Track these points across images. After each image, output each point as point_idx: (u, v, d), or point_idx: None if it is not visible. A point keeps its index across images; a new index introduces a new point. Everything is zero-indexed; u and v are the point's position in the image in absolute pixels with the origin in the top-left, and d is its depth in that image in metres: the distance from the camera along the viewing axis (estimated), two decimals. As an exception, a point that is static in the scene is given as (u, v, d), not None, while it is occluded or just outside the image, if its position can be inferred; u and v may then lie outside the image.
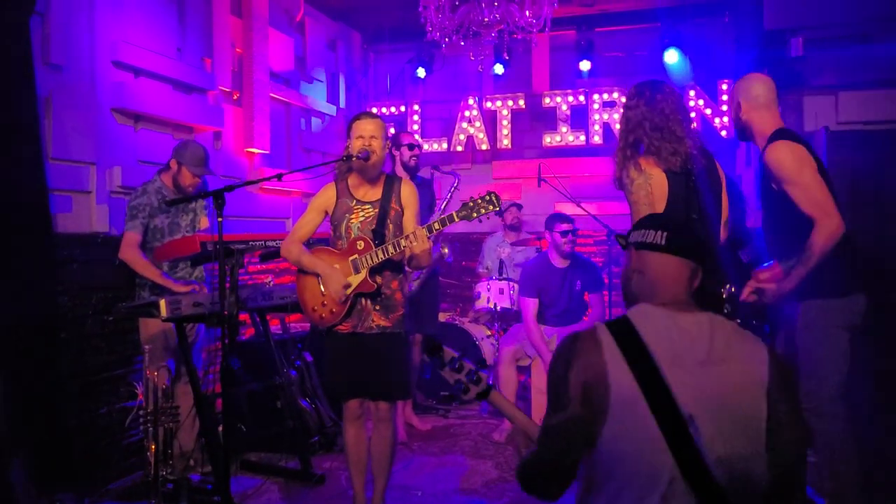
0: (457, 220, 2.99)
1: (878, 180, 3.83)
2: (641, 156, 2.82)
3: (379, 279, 3.18)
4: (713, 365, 1.56)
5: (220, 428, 3.45)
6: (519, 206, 6.36)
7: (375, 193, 3.25)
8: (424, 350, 1.99)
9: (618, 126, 3.14)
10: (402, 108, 7.28)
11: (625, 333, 1.60)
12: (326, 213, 3.30)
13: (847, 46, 4.02)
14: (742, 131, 3.10)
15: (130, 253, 3.80)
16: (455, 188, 5.05)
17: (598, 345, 1.59)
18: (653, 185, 2.78)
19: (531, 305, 5.05)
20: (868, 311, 2.77)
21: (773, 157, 2.84)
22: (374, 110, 7.31)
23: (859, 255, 2.85)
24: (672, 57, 6.39)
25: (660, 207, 2.79)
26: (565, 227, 5.06)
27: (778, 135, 2.90)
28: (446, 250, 5.02)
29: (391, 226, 3.21)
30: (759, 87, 3.03)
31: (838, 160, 3.85)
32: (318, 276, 3.21)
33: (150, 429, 3.52)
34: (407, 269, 3.33)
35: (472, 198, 3.00)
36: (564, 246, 5.08)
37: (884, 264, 3.78)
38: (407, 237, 3.03)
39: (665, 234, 1.69)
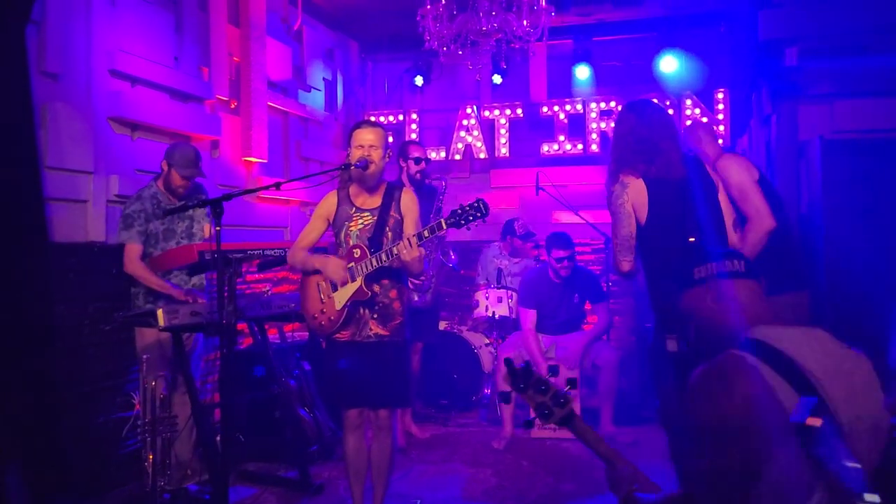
0: (445, 227, 3.03)
1: (873, 188, 3.85)
2: (622, 169, 2.99)
3: (376, 287, 3.19)
4: (844, 374, 1.55)
5: (218, 437, 3.43)
6: (533, 235, 6.14)
7: (375, 201, 3.27)
8: (508, 369, 1.88)
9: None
10: (401, 117, 7.29)
11: (771, 354, 1.56)
12: (328, 220, 3.32)
13: (841, 56, 4.05)
14: None
15: (134, 266, 3.81)
16: (443, 193, 5.02)
17: (753, 370, 1.50)
18: (629, 194, 2.92)
19: (530, 316, 5.05)
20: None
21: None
22: (373, 119, 7.32)
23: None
24: (669, 64, 6.42)
25: (641, 215, 2.90)
26: (562, 253, 5.05)
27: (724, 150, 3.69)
28: (452, 255, 5.03)
29: (390, 234, 3.22)
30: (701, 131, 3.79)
31: (833, 168, 3.86)
32: (320, 275, 3.23)
33: (148, 438, 3.51)
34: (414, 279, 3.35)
35: (461, 205, 3.03)
36: (561, 272, 5.09)
37: (878, 271, 3.79)
38: (394, 246, 3.05)
39: (742, 262, 1.74)
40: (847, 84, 4.05)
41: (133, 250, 3.81)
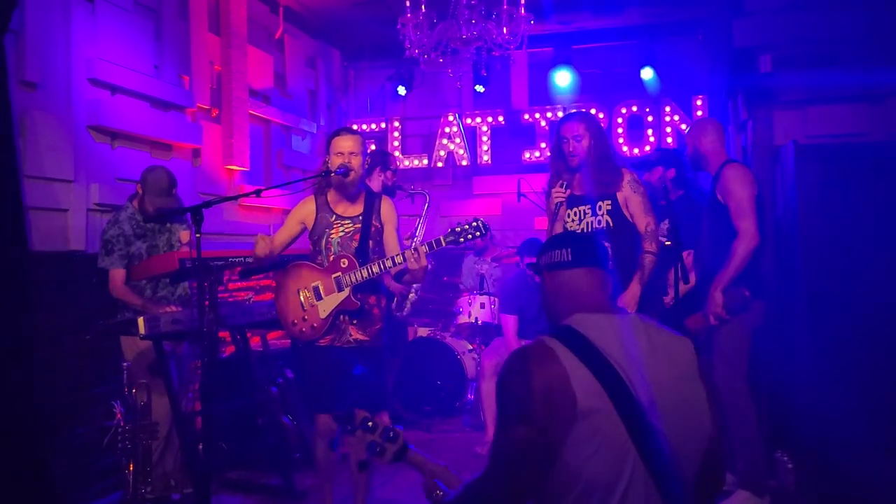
0: (444, 244, 3.08)
1: (846, 191, 3.93)
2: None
3: (359, 295, 3.20)
4: (656, 358, 1.63)
5: (200, 446, 3.43)
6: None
7: (356, 209, 3.28)
8: (335, 419, 1.89)
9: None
10: (383, 125, 7.32)
11: (574, 340, 1.62)
12: (304, 225, 3.32)
13: (814, 63, 4.13)
14: (697, 161, 3.77)
15: (121, 290, 3.78)
16: (427, 206, 5.11)
17: (553, 354, 1.59)
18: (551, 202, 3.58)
19: (511, 323, 5.07)
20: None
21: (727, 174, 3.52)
22: (355, 127, 7.34)
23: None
24: (648, 72, 6.53)
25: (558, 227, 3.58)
26: (532, 260, 5.09)
27: (731, 160, 3.62)
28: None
29: (371, 243, 3.24)
30: (711, 126, 3.74)
31: (807, 172, 3.94)
32: (302, 283, 3.24)
33: (129, 447, 3.49)
34: (397, 285, 3.38)
35: (459, 224, 3.10)
36: (535, 277, 5.12)
37: (851, 274, 3.86)
38: (401, 255, 3.07)
39: (569, 250, 1.79)
40: (819, 90, 4.14)
41: (117, 276, 3.78)
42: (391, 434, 1.83)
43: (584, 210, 3.58)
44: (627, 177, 3.54)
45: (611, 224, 3.52)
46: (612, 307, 1.75)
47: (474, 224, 3.05)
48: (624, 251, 3.45)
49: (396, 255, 3.07)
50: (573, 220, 3.62)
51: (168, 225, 3.99)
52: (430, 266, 5.16)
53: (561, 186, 3.60)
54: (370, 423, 1.84)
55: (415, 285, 4.65)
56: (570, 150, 3.55)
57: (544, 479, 1.58)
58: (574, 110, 3.82)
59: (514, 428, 1.57)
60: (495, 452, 1.61)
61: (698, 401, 1.65)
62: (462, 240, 3.05)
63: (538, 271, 1.89)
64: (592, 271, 1.78)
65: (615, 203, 3.52)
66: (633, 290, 3.39)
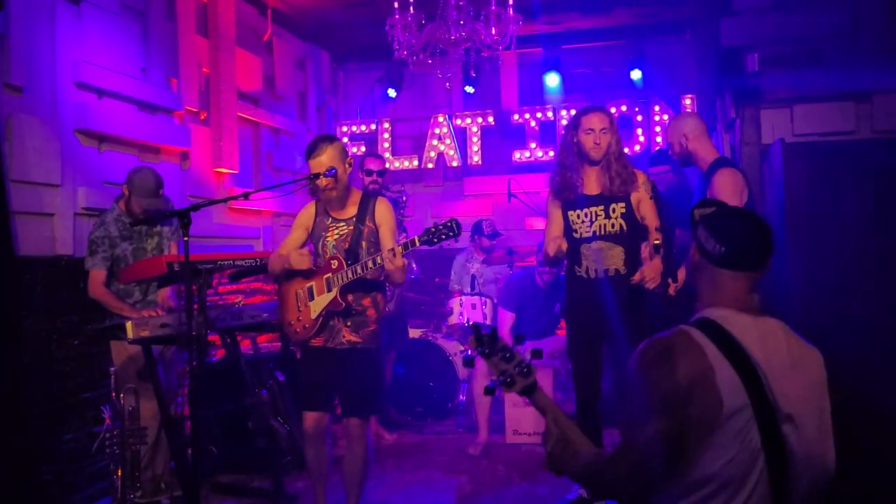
0: (418, 244, 3.08)
1: (833, 188, 3.96)
2: None
3: (350, 297, 3.21)
4: (795, 368, 1.57)
5: (190, 450, 3.41)
6: (499, 236, 6.16)
7: (350, 212, 3.30)
8: (474, 332, 1.86)
9: None
10: (373, 127, 7.31)
11: (721, 336, 1.55)
12: (308, 230, 3.35)
13: (800, 62, 4.15)
14: (685, 159, 3.67)
15: (99, 292, 3.76)
16: (404, 206, 5.14)
17: (700, 349, 1.52)
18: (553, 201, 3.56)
19: (508, 319, 5.07)
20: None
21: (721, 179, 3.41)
22: (345, 129, 7.34)
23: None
24: (638, 72, 6.57)
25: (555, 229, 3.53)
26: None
27: (723, 162, 3.50)
28: (414, 266, 5.09)
29: (365, 244, 3.25)
30: (694, 121, 3.67)
31: (794, 170, 3.96)
32: (299, 284, 3.26)
33: (117, 452, 3.47)
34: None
35: (434, 224, 3.10)
36: (544, 276, 5.12)
37: (838, 269, 3.89)
38: (380, 255, 3.08)
39: (722, 248, 1.64)
40: (806, 88, 4.16)
41: (97, 276, 3.76)
42: (525, 369, 1.78)
43: (596, 211, 3.46)
44: (642, 177, 3.46)
45: (624, 228, 3.42)
46: (759, 309, 1.66)
47: (448, 224, 3.05)
48: (637, 256, 3.36)
49: (377, 256, 3.08)
50: (583, 222, 3.48)
51: (157, 228, 3.97)
52: (415, 268, 5.18)
53: (566, 185, 3.46)
54: (508, 354, 1.80)
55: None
56: (597, 141, 3.41)
57: (672, 476, 1.52)
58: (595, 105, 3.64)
59: (652, 420, 1.50)
60: (628, 442, 1.56)
61: (827, 414, 1.59)
62: (436, 240, 3.06)
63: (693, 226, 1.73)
64: (754, 276, 1.67)
65: (629, 205, 3.43)
66: (656, 263, 3.25)
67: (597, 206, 3.44)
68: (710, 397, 1.48)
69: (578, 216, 3.48)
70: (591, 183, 3.49)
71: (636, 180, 3.42)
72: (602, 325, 3.44)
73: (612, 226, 3.41)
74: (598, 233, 3.43)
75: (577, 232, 3.50)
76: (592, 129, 3.42)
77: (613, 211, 3.42)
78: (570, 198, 3.48)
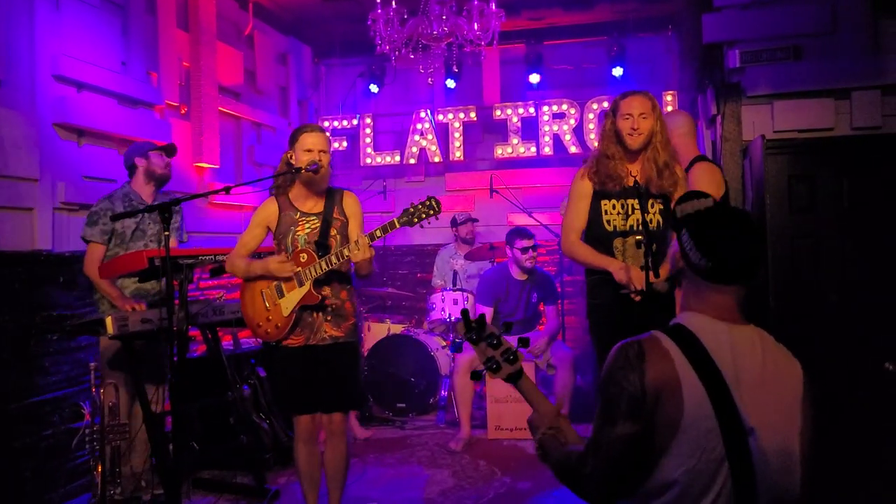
0: (398, 226, 3.03)
1: (812, 184, 4.00)
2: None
3: (326, 290, 3.19)
4: (767, 383, 1.55)
5: (171, 446, 3.39)
6: (474, 221, 6.37)
7: (319, 205, 3.25)
8: (462, 319, 1.87)
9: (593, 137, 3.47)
10: (355, 122, 7.29)
11: (691, 345, 1.55)
12: (269, 228, 3.29)
13: (780, 58, 4.19)
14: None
15: (93, 270, 3.69)
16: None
17: (667, 355, 1.53)
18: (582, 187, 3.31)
19: (486, 315, 5.09)
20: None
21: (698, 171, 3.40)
22: (327, 124, 7.31)
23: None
24: (619, 68, 6.61)
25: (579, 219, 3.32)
26: (525, 243, 5.14)
27: (702, 158, 3.51)
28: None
29: (338, 236, 3.22)
30: (683, 119, 3.66)
31: (775, 166, 4.00)
32: (263, 283, 3.21)
33: (97, 448, 3.44)
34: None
35: (412, 203, 3.04)
36: (526, 262, 5.16)
37: (819, 267, 3.94)
38: (348, 246, 3.04)
39: (708, 263, 1.58)
40: (786, 85, 4.19)
41: (95, 251, 3.70)
42: (511, 357, 1.82)
43: (633, 204, 3.16)
44: (681, 173, 3.21)
45: (661, 225, 3.18)
46: (741, 318, 1.62)
47: (427, 203, 3.00)
48: (665, 256, 3.14)
49: (345, 247, 3.05)
50: (617, 215, 3.19)
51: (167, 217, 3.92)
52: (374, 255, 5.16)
53: (611, 175, 3.17)
54: (495, 341, 1.83)
55: None
56: (634, 126, 3.10)
57: (641, 479, 1.54)
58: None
59: (620, 423, 1.53)
60: (597, 442, 1.57)
61: (794, 432, 1.55)
62: (416, 220, 3.00)
63: (677, 229, 1.68)
64: (740, 290, 1.62)
65: (667, 203, 3.16)
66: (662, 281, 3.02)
67: (633, 198, 3.14)
68: (674, 405, 1.49)
69: (614, 206, 3.20)
70: (631, 173, 3.19)
71: (679, 179, 3.17)
72: (640, 327, 3.24)
73: (650, 221, 3.14)
74: (635, 227, 3.15)
75: (609, 224, 3.21)
76: (630, 115, 3.11)
77: (652, 206, 3.17)
78: (611, 188, 3.19)
